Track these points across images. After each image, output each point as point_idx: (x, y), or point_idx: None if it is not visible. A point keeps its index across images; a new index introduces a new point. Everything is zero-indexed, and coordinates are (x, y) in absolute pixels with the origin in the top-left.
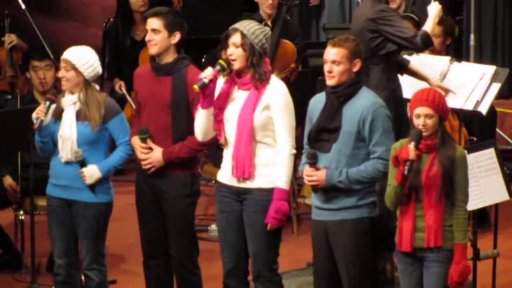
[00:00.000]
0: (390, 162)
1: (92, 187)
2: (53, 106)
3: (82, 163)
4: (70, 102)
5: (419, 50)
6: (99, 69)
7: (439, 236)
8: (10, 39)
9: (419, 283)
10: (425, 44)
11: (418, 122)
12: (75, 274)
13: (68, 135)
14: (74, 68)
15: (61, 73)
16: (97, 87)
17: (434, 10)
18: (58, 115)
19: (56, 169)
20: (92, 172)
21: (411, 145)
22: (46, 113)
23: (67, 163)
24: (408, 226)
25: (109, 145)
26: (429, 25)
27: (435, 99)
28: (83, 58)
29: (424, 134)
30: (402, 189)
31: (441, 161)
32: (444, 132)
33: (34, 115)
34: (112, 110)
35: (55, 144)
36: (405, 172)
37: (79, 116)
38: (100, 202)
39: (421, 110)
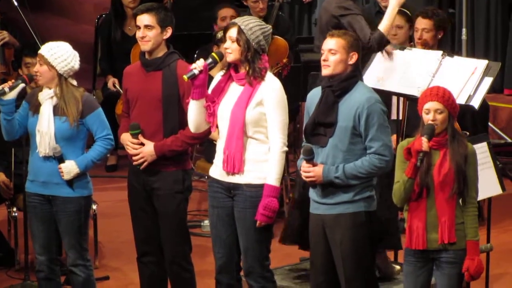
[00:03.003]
0: (396, 159)
1: (70, 182)
2: (22, 85)
3: (60, 159)
4: (47, 97)
5: (373, 51)
6: (74, 64)
7: (452, 232)
8: (2, 36)
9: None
10: (379, 46)
11: (428, 118)
12: (57, 270)
13: (46, 130)
14: (47, 63)
15: (35, 68)
16: (75, 82)
17: (393, 1)
18: (35, 108)
19: (34, 165)
20: (70, 168)
21: (424, 137)
22: (12, 88)
23: (45, 159)
24: (420, 224)
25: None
26: (385, 22)
27: (445, 94)
28: (56, 53)
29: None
30: (412, 184)
31: (454, 158)
32: (454, 129)
33: (1, 86)
34: (89, 105)
35: (29, 134)
36: (418, 164)
37: (57, 111)
38: (79, 196)
39: (430, 105)
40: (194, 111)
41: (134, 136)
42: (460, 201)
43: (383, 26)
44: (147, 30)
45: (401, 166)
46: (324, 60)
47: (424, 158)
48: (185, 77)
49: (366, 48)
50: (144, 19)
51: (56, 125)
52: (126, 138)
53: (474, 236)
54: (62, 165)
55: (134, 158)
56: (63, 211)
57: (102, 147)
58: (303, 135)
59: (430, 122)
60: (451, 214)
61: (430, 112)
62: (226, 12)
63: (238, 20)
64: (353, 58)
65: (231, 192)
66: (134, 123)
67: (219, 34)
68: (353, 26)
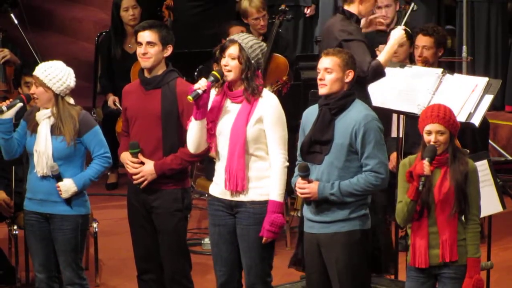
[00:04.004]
0: (398, 178)
1: (68, 200)
2: (20, 104)
3: (58, 178)
4: (44, 116)
5: (368, 80)
6: (69, 82)
7: (454, 250)
8: (3, 53)
9: None
10: (374, 75)
11: (429, 139)
12: None
13: (43, 150)
14: (42, 84)
15: (32, 90)
16: (71, 100)
17: (396, 35)
18: (33, 128)
19: (32, 184)
20: (68, 186)
21: (426, 161)
22: (9, 107)
23: (43, 177)
24: (422, 243)
25: (86, 157)
26: (384, 54)
27: (445, 115)
28: (50, 73)
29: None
30: (415, 205)
31: (454, 177)
32: (455, 148)
33: None
34: (86, 123)
35: (28, 153)
36: (420, 188)
37: (54, 130)
38: (77, 214)
39: (432, 126)
40: (196, 131)
41: (134, 155)
42: (463, 218)
43: (382, 58)
44: (149, 46)
45: (403, 185)
46: (320, 80)
47: (426, 182)
48: (189, 97)
49: (361, 76)
50: (147, 35)
51: (53, 145)
52: (125, 157)
53: (475, 253)
54: (60, 184)
55: (134, 177)
56: (60, 229)
57: (99, 165)
58: (298, 153)
59: (431, 143)
60: (453, 232)
61: (432, 134)
62: (237, 30)
63: (238, 38)
64: (349, 76)
65: (233, 209)
66: (133, 142)
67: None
68: (354, 53)
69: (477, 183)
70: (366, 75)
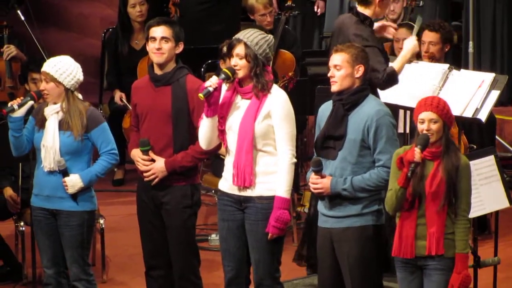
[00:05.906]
0: (391, 167)
1: (74, 196)
2: (31, 102)
3: (65, 173)
4: (53, 111)
5: (380, 86)
6: (79, 77)
7: (440, 244)
8: (10, 50)
9: None
10: (388, 82)
11: (422, 127)
12: (65, 283)
13: (51, 145)
14: (53, 79)
15: (42, 86)
16: (80, 96)
17: (409, 46)
18: (41, 124)
19: (39, 179)
20: (74, 182)
21: (417, 148)
22: (20, 105)
23: (50, 173)
24: (409, 233)
25: (93, 154)
26: (398, 62)
27: (439, 104)
28: (61, 68)
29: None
30: (404, 193)
31: (446, 169)
32: (449, 140)
33: (10, 103)
34: (94, 119)
35: (35, 148)
36: (409, 174)
37: (62, 125)
38: (83, 210)
39: (425, 115)
40: (208, 128)
41: (144, 152)
42: (452, 213)
43: (397, 66)
44: (164, 42)
45: (395, 174)
46: (331, 77)
47: (415, 169)
48: (201, 95)
49: (374, 83)
50: (161, 31)
51: (61, 140)
52: (136, 154)
53: (463, 249)
54: (66, 179)
55: (145, 174)
56: (66, 225)
57: (106, 162)
58: (313, 148)
59: (424, 132)
60: (440, 225)
61: (425, 122)
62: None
63: (243, 36)
64: (360, 70)
65: (242, 204)
66: (144, 139)
67: (225, 48)
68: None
69: (469, 179)
70: (380, 82)
